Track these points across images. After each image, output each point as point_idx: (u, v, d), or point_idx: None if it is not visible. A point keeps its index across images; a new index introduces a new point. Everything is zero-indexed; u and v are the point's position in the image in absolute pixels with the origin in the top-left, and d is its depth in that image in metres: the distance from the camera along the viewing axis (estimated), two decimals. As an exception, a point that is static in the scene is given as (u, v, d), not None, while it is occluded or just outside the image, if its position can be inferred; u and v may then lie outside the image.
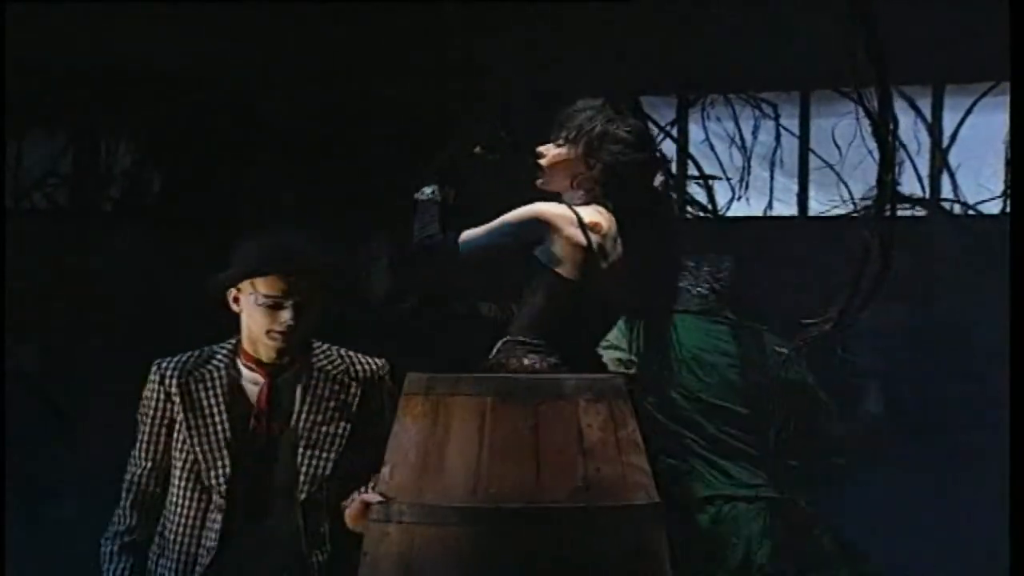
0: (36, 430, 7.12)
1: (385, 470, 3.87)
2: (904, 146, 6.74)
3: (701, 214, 7.80)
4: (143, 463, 3.86)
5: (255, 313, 3.79)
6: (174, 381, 3.85)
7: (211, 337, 5.78)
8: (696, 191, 7.86)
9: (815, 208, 7.76)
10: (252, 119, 7.18)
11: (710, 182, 7.83)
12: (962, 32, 6.75)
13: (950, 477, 6.92)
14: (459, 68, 6.77)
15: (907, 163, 7.13)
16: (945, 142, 7.53)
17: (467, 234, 4.23)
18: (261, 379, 3.82)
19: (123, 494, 3.87)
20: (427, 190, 4.26)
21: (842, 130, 7.10)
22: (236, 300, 3.83)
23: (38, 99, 7.19)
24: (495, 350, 4.23)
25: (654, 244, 4.37)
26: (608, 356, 4.59)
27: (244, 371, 3.84)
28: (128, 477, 3.88)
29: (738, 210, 7.80)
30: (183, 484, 3.79)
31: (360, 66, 6.93)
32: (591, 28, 6.81)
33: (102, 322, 7.36)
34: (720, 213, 7.80)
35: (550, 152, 4.35)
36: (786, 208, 7.82)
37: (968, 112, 7.47)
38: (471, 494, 3.81)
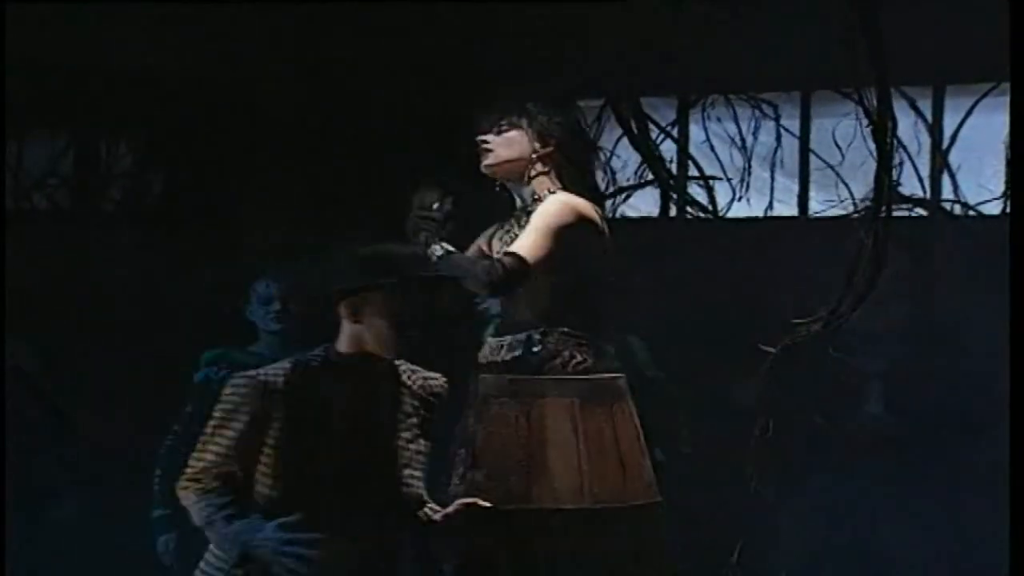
0: (36, 430, 7.11)
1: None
2: (904, 147, 6.74)
3: (702, 215, 7.80)
4: (229, 465, 3.67)
5: (387, 324, 3.72)
6: (278, 394, 3.65)
7: (211, 337, 5.79)
8: (697, 192, 7.87)
9: (816, 209, 7.76)
10: (252, 119, 7.17)
11: (711, 183, 7.84)
12: (962, 32, 6.74)
13: (949, 477, 6.92)
14: (460, 69, 6.76)
15: (908, 164, 7.13)
16: (945, 143, 7.53)
17: (526, 250, 4.14)
18: (357, 393, 3.73)
19: (195, 475, 3.66)
20: (436, 249, 4.16)
21: (843, 131, 7.10)
22: (353, 307, 3.71)
23: (38, 99, 7.18)
24: (537, 339, 4.17)
25: None
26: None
27: (341, 385, 3.72)
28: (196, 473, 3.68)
29: (739, 211, 7.80)
30: (271, 501, 3.67)
31: (361, 67, 6.93)
32: (591, 28, 6.81)
33: (102, 322, 7.35)
34: (721, 214, 7.80)
35: (498, 138, 4.36)
36: (787, 209, 7.81)
37: (968, 113, 7.47)
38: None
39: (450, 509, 3.82)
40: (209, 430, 3.68)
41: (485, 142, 4.35)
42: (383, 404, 3.75)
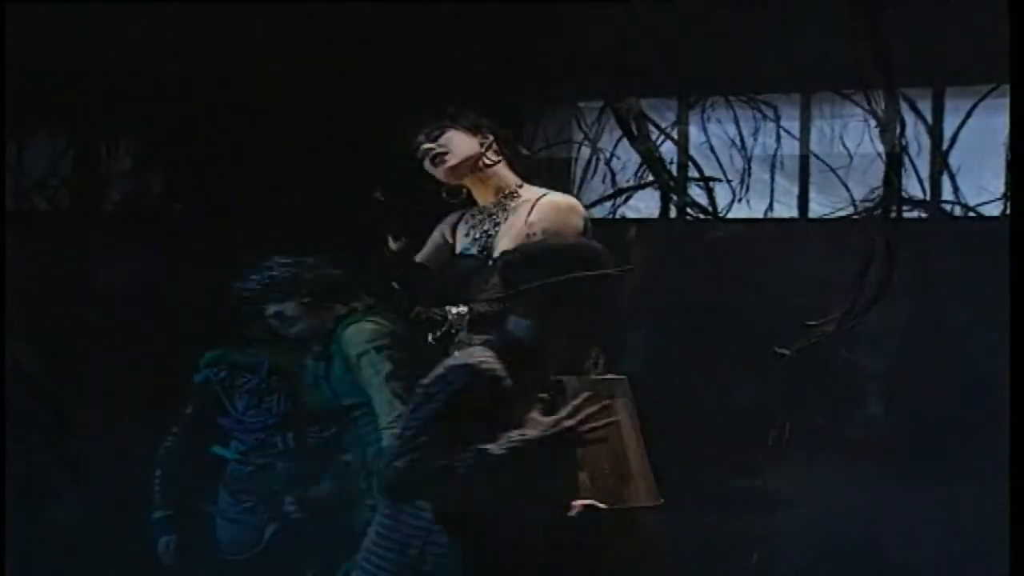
0: (36, 430, 7.12)
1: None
2: (905, 148, 6.74)
3: (702, 216, 7.79)
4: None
5: (577, 319, 3.67)
6: (492, 380, 3.56)
7: (211, 338, 5.80)
8: (697, 193, 7.86)
9: (816, 211, 7.75)
10: (252, 119, 7.17)
11: (711, 184, 7.83)
12: (962, 34, 6.74)
13: (949, 477, 6.92)
14: (460, 69, 6.77)
15: (908, 165, 7.13)
16: (945, 144, 7.52)
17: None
18: (534, 385, 3.70)
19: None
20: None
21: (847, 133, 7.11)
22: (542, 301, 3.63)
23: (38, 99, 7.18)
24: None
25: None
26: None
27: (526, 377, 3.66)
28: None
29: (739, 212, 7.79)
30: None
31: (361, 67, 6.93)
32: (591, 28, 6.81)
33: (102, 322, 7.35)
34: (721, 215, 7.80)
35: (439, 142, 4.39)
36: (786, 210, 7.81)
37: (968, 114, 7.46)
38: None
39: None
40: (425, 415, 3.53)
41: (431, 150, 4.38)
42: (543, 396, 3.75)
